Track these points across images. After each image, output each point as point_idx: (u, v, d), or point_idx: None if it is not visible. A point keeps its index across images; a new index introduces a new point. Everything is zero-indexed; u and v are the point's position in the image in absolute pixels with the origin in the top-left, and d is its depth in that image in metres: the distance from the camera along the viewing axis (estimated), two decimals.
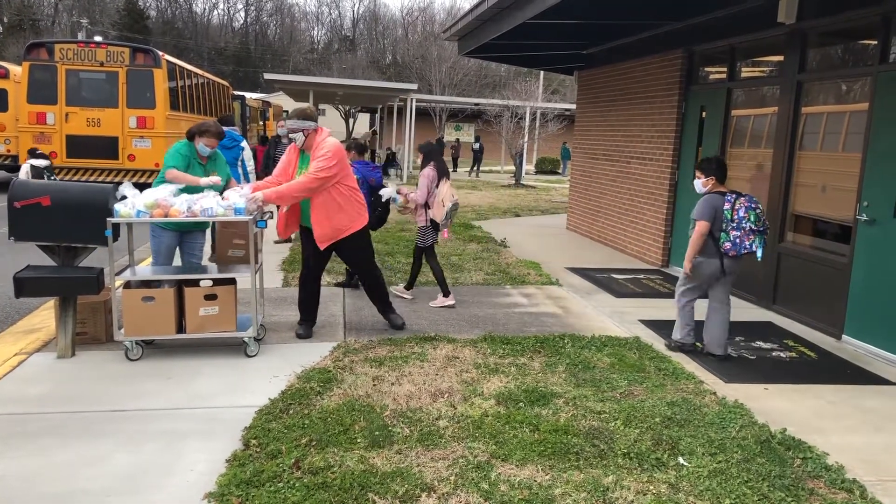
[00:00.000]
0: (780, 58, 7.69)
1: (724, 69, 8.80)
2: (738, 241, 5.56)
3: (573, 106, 22.39)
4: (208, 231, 7.61)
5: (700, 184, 5.85)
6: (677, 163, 9.57)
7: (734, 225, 5.56)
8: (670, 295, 8.12)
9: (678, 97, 9.47)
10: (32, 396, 4.68)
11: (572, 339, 6.14)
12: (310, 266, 6.10)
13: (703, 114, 9.13)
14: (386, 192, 7.10)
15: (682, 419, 4.48)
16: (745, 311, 7.58)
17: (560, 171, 35.76)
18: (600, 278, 8.90)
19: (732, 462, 3.94)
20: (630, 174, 10.81)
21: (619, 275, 9.20)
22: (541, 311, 7.17)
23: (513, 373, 5.24)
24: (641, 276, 9.16)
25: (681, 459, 3.96)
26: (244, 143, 9.03)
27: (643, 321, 6.92)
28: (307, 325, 6.14)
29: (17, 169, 16.08)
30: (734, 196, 5.61)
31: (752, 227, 5.54)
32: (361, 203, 5.97)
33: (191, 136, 5.98)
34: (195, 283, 5.42)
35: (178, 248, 6.10)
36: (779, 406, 4.92)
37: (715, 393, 5.02)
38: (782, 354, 6.09)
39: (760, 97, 8.16)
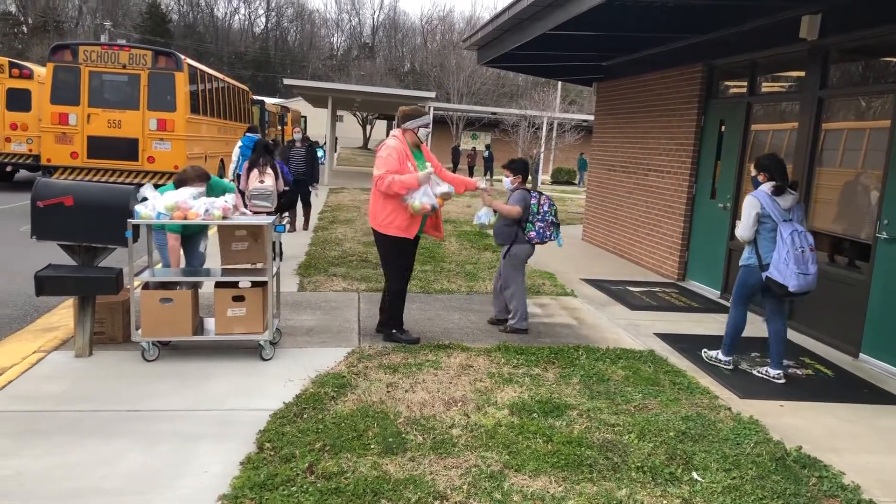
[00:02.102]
0: (802, 73, 7.66)
1: (745, 83, 8.78)
2: (541, 230, 6.51)
3: (590, 117, 22.41)
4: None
5: (509, 181, 6.70)
6: (695, 176, 9.54)
7: (539, 217, 6.49)
8: (687, 308, 8.09)
9: (697, 110, 9.44)
10: (50, 394, 4.72)
11: (587, 350, 6.12)
12: (408, 274, 6.22)
13: (723, 127, 9.11)
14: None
15: (696, 434, 4.46)
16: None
17: (576, 181, 35.72)
18: (615, 290, 8.87)
19: (747, 479, 3.92)
20: (647, 186, 10.79)
21: (634, 287, 9.17)
22: (555, 322, 7.16)
23: (527, 383, 5.24)
24: (657, 289, 9.12)
25: (695, 474, 3.94)
26: None
27: (658, 334, 6.89)
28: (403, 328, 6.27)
29: (38, 168, 16.25)
30: (538, 194, 6.56)
31: (553, 219, 6.55)
32: (404, 215, 5.92)
33: (178, 187, 5.85)
34: (226, 284, 5.48)
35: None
36: (794, 423, 4.88)
37: (730, 408, 4.99)
38: (798, 371, 6.04)
39: (780, 112, 8.14)
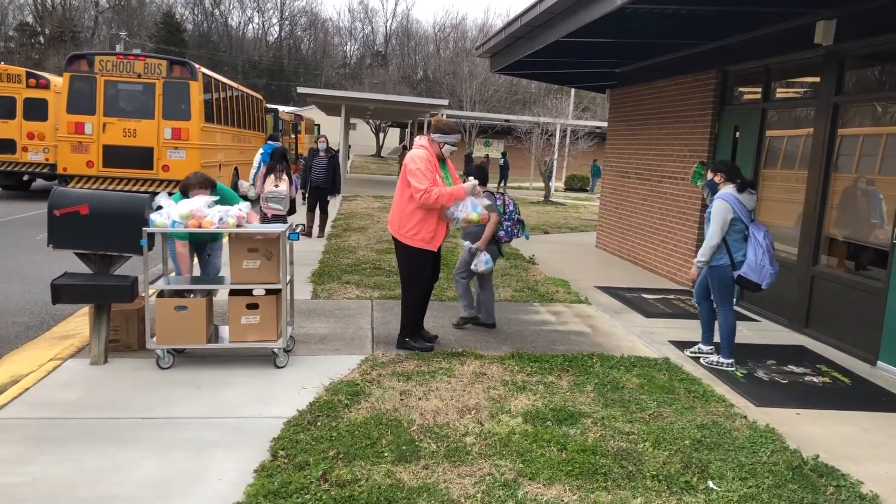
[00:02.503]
0: (817, 79, 7.62)
1: (759, 90, 8.74)
2: (509, 229, 6.89)
3: (604, 123, 22.36)
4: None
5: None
6: None
7: (506, 217, 6.85)
8: None
9: (711, 117, 9.41)
10: (66, 401, 4.75)
11: (601, 358, 6.09)
12: (428, 283, 6.22)
13: (737, 134, 9.06)
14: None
15: (711, 442, 4.43)
16: (776, 334, 7.48)
17: (589, 188, 35.64)
18: (630, 297, 8.84)
19: (763, 487, 3.88)
20: (661, 193, 10.75)
21: (648, 294, 9.13)
22: (569, 330, 7.14)
23: (541, 391, 5.22)
24: (672, 297, 9.08)
25: (710, 483, 3.90)
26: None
27: (673, 342, 6.85)
28: (419, 335, 6.27)
29: (54, 177, 16.39)
30: (501, 195, 6.91)
31: (518, 217, 6.94)
32: (429, 227, 5.93)
33: (184, 194, 5.92)
34: (240, 292, 5.49)
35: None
36: (811, 432, 4.84)
37: (745, 416, 4.95)
38: (815, 379, 5.99)
39: (795, 118, 8.09)
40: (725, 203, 5.85)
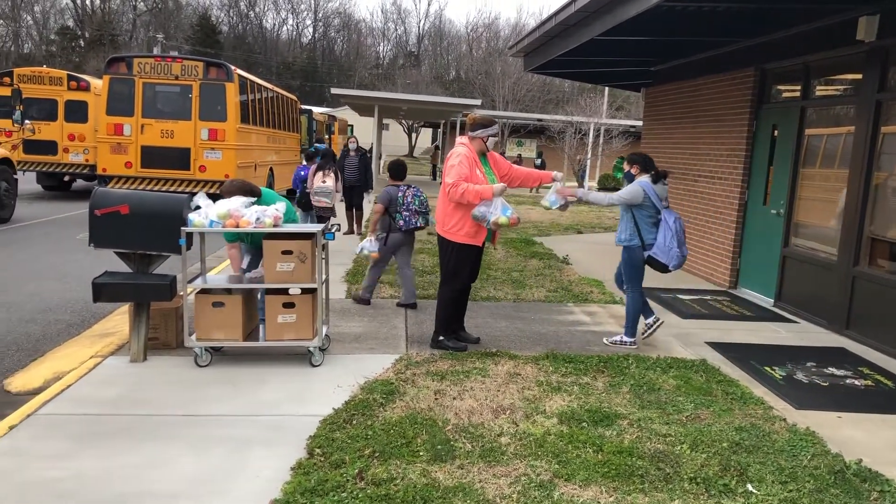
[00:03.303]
0: (858, 76, 7.47)
1: (798, 87, 8.60)
2: (408, 218, 7.37)
3: (638, 122, 22.17)
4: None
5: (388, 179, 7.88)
6: (747, 182, 9.37)
7: (405, 207, 7.37)
8: (739, 317, 7.94)
9: (749, 115, 9.27)
10: (106, 398, 4.83)
11: (637, 359, 6.04)
12: (467, 282, 6.23)
13: (775, 132, 8.93)
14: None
15: (750, 445, 4.37)
16: (816, 335, 7.35)
17: (620, 188, 35.38)
18: (666, 298, 8.75)
19: (804, 492, 3.81)
20: (698, 193, 10.63)
21: (684, 295, 9.03)
22: (604, 331, 7.09)
23: (576, 392, 5.19)
24: (708, 297, 8.97)
25: (749, 487, 3.85)
26: None
27: (710, 343, 6.77)
28: (454, 335, 6.29)
29: (94, 178, 16.70)
30: (405, 187, 7.46)
31: (416, 208, 7.39)
32: (473, 221, 5.91)
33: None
34: (277, 291, 5.55)
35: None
36: (853, 436, 4.74)
37: (785, 419, 4.87)
38: (857, 382, 5.87)
39: (835, 116, 7.94)
40: (640, 188, 6.27)
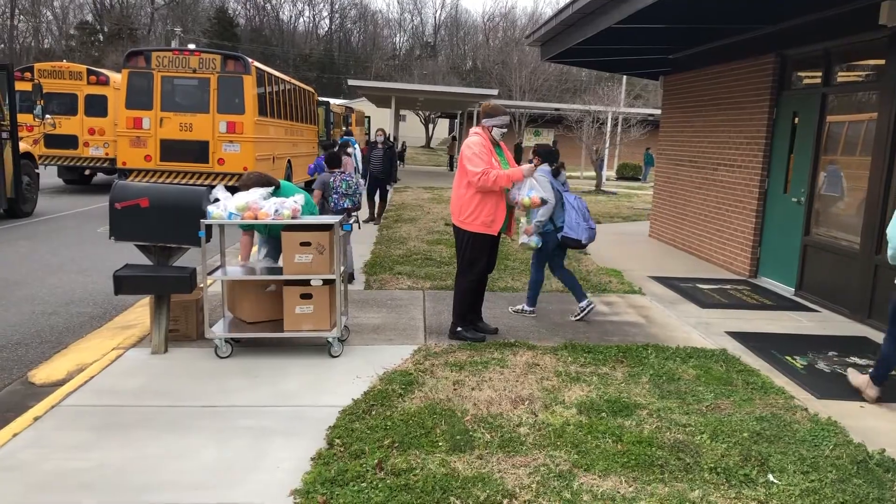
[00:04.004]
0: (881, 61, 7.36)
1: (819, 74, 8.49)
2: (336, 200, 7.98)
3: (657, 111, 22.01)
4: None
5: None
6: (767, 170, 9.27)
7: (334, 191, 8.00)
8: (759, 306, 7.88)
9: (769, 103, 9.17)
10: (128, 390, 4.88)
11: (656, 349, 6.01)
12: (484, 271, 6.22)
13: (796, 120, 8.82)
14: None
15: (771, 435, 4.34)
16: (838, 324, 7.28)
17: (641, 177, 35.15)
18: (685, 288, 8.70)
19: (826, 482, 3.79)
20: (717, 181, 10.54)
21: (704, 284, 8.97)
22: (623, 321, 7.06)
23: (595, 382, 5.18)
24: (728, 287, 8.90)
25: (771, 477, 3.83)
26: (357, 147, 11.79)
27: (730, 333, 6.73)
28: (472, 325, 6.30)
29: (114, 171, 16.83)
30: (337, 172, 8.13)
31: (344, 192, 7.99)
32: (488, 210, 5.93)
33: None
34: (294, 282, 5.58)
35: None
36: (876, 426, 4.70)
37: (806, 409, 4.84)
38: None
39: (858, 103, 7.84)
40: (545, 178, 6.63)
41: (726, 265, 10.12)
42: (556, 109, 34.93)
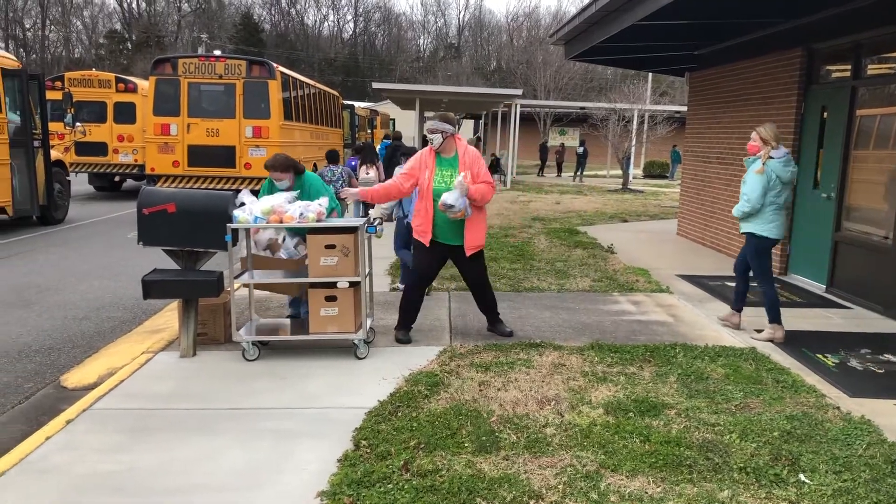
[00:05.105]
0: None
1: (848, 67, 8.35)
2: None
3: (683, 108, 21.81)
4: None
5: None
6: (796, 165, 9.13)
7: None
8: (790, 304, 7.77)
9: (797, 97, 9.05)
10: (158, 393, 4.94)
11: (684, 348, 5.95)
12: (426, 276, 6.21)
13: (825, 114, 8.69)
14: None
15: (802, 434, 4.27)
16: (871, 321, 7.16)
17: (668, 174, 34.84)
18: (713, 286, 8.60)
19: (859, 481, 3.72)
20: None
21: (733, 282, 8.82)
22: (650, 320, 7.00)
23: (622, 382, 5.14)
24: (757, 285, 8.76)
25: (802, 476, 3.77)
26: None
27: (760, 331, 6.63)
28: (406, 330, 6.24)
29: (143, 177, 17.06)
30: (334, 168, 9.32)
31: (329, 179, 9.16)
32: (419, 218, 6.03)
33: (268, 171, 6.08)
34: (320, 284, 5.61)
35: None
36: None
37: (838, 408, 4.75)
38: None
39: (890, 95, 7.69)
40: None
41: None
42: (582, 108, 34.78)
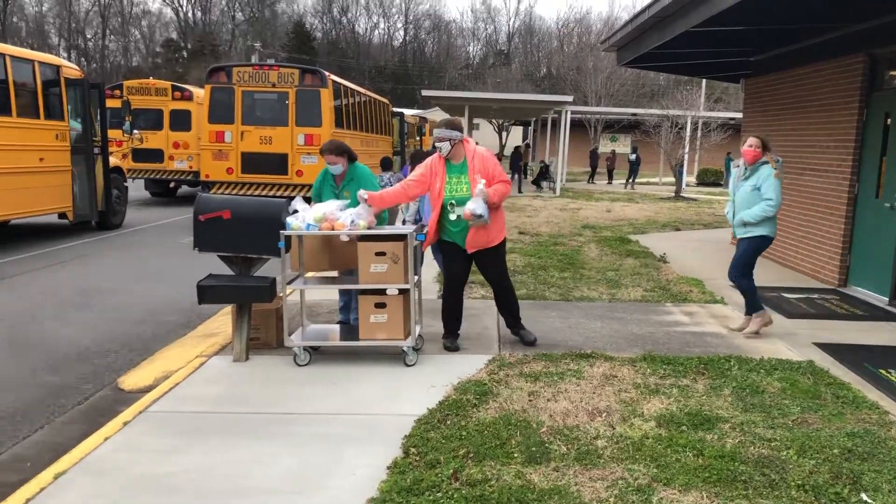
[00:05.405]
0: None
1: None
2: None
3: (738, 115, 21.37)
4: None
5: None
6: (857, 174, 8.89)
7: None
8: (850, 316, 7.56)
9: (858, 104, 8.80)
10: (211, 396, 5.02)
11: (739, 361, 5.82)
12: (454, 279, 6.18)
13: (888, 121, 8.43)
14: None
15: (864, 452, 4.13)
16: None
17: (723, 182, 34.21)
18: (769, 297, 8.40)
19: None
20: (803, 187, 10.17)
21: (789, 294, 8.65)
22: (704, 331, 6.87)
23: (674, 394, 5.04)
24: (815, 296, 8.56)
25: (864, 496, 3.65)
26: None
27: (818, 344, 6.46)
28: (453, 337, 6.22)
29: (197, 184, 17.41)
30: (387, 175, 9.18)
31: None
32: (433, 222, 6.02)
33: (322, 155, 6.18)
34: (370, 291, 5.65)
35: None
36: None
37: None
38: None
39: None
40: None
41: (813, 274, 9.74)
42: (634, 115, 34.39)
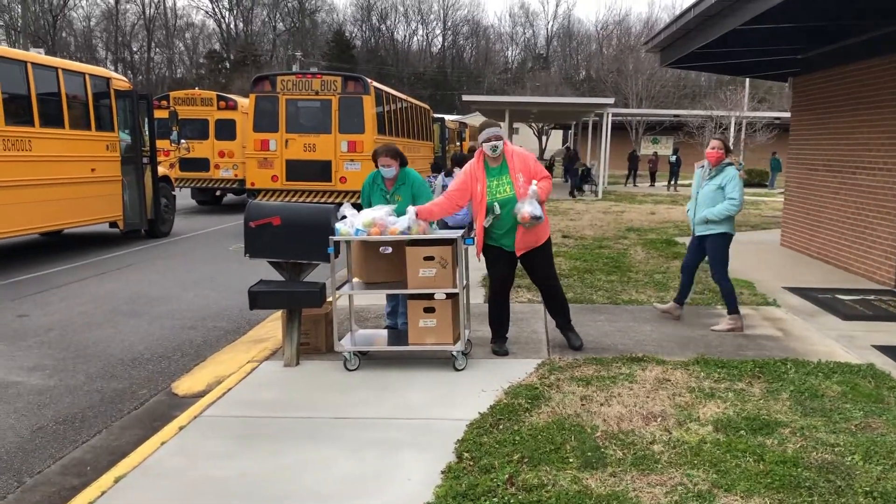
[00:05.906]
0: None
1: None
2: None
3: (783, 114, 20.97)
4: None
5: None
6: None
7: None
8: None
9: None
10: (264, 401, 5.06)
11: (795, 364, 5.69)
12: (500, 283, 6.14)
13: None
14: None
15: None
16: None
17: (768, 183, 33.60)
18: (823, 299, 8.21)
19: None
20: (856, 185, 9.93)
21: (844, 295, 8.44)
22: (758, 334, 6.73)
23: (730, 398, 4.94)
24: (871, 297, 8.34)
25: None
26: None
27: (877, 347, 6.29)
28: (501, 341, 6.18)
29: (243, 192, 17.65)
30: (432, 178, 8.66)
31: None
32: (479, 230, 5.97)
33: (374, 161, 6.16)
34: (418, 296, 5.64)
35: None
36: None
37: None
38: None
39: None
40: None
41: (868, 275, 9.49)
42: (676, 116, 34.03)
